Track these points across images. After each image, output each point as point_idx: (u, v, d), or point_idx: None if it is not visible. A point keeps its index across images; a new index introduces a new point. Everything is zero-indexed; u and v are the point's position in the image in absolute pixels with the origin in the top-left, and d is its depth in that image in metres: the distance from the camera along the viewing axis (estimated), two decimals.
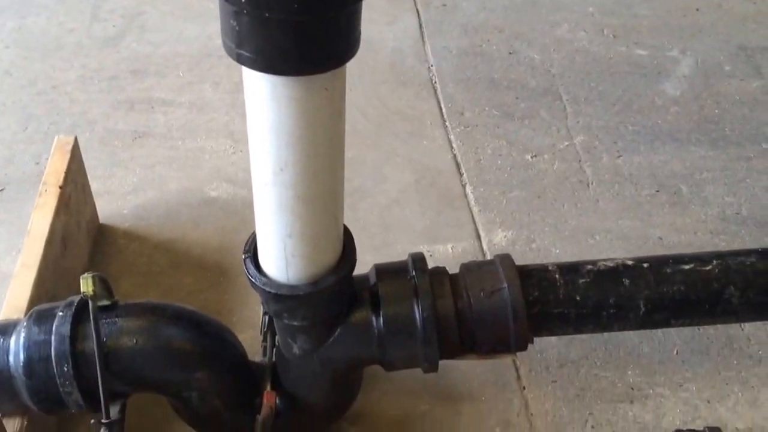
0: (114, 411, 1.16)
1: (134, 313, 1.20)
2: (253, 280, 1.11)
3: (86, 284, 1.14)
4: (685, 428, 1.33)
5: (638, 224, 1.81)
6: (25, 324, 1.18)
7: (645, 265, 1.25)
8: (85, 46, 2.26)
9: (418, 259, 1.24)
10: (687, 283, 1.23)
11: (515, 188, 1.89)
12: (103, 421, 1.14)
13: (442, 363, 1.22)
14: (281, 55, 0.84)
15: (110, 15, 2.38)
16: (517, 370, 1.52)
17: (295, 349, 1.19)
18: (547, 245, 1.76)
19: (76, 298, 1.19)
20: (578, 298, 1.23)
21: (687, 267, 1.24)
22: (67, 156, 1.58)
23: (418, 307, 1.18)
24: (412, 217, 1.82)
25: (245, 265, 1.13)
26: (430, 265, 1.25)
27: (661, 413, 1.45)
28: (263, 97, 0.90)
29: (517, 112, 2.10)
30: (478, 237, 1.78)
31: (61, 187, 1.51)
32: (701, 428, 1.30)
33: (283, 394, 1.25)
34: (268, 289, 1.10)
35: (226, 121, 2.05)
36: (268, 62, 0.85)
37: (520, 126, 2.06)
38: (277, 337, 1.23)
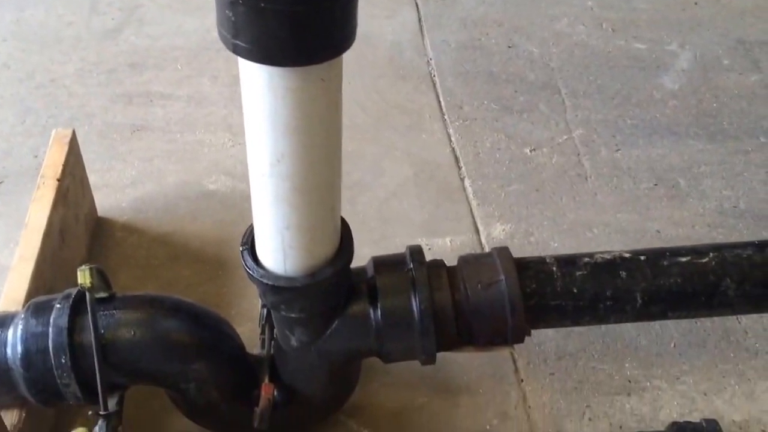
0: (112, 403, 1.16)
1: (132, 305, 1.20)
2: (250, 272, 1.11)
3: (83, 276, 1.14)
4: (681, 420, 1.33)
5: (636, 218, 1.81)
6: (22, 316, 1.18)
7: (642, 257, 1.25)
8: (83, 39, 2.26)
9: (416, 252, 1.24)
10: (683, 275, 1.23)
11: (514, 182, 1.89)
12: (100, 412, 1.14)
13: (439, 355, 1.22)
14: (277, 45, 0.84)
15: (109, 8, 2.38)
16: (514, 362, 1.52)
17: (293, 342, 1.20)
18: (545, 238, 1.76)
19: (74, 290, 1.19)
20: (575, 290, 1.23)
21: (683, 259, 1.25)
22: (65, 149, 1.58)
23: (416, 299, 1.18)
24: (411, 211, 1.82)
25: (243, 257, 1.13)
26: (429, 258, 1.25)
27: (659, 405, 1.46)
28: (259, 87, 0.90)
29: (516, 106, 2.10)
30: (477, 230, 1.78)
31: (59, 180, 1.51)
32: (698, 420, 1.31)
33: (281, 387, 1.25)
34: (265, 281, 1.10)
35: (224, 114, 2.04)
36: (264, 53, 0.85)
37: (519, 119, 2.06)
38: (275, 330, 1.23)
